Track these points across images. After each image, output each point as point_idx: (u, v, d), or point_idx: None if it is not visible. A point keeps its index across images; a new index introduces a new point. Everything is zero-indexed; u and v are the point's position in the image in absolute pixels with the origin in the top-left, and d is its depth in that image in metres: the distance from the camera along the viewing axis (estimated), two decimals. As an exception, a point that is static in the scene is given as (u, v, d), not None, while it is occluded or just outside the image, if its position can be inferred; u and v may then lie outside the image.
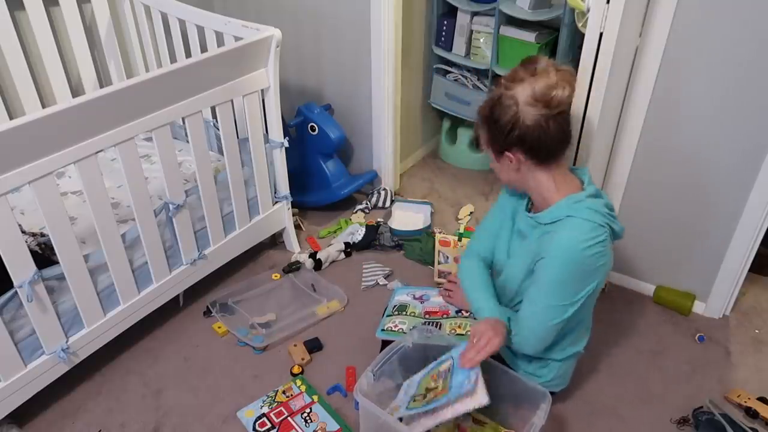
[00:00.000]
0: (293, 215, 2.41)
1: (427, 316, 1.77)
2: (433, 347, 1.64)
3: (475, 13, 2.65)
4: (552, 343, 1.55)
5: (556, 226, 1.42)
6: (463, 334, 1.65)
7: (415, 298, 1.88)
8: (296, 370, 1.85)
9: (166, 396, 1.80)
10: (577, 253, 1.37)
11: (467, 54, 2.75)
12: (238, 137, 2.03)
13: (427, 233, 2.44)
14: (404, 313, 1.80)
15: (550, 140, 1.40)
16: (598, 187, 1.52)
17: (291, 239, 2.38)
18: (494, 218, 1.70)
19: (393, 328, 1.73)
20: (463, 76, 2.78)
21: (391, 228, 2.44)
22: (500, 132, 1.41)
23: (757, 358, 1.91)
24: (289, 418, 1.69)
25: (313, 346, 1.94)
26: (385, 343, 1.63)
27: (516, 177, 1.50)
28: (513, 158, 1.43)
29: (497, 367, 1.54)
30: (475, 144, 1.52)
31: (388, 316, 1.81)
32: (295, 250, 2.39)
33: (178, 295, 2.03)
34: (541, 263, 1.44)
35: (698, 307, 2.09)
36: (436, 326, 1.70)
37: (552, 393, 1.61)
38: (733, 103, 1.72)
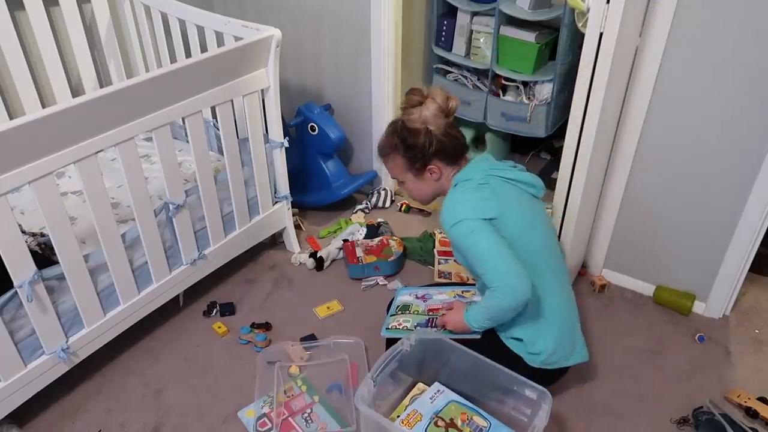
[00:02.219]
0: (293, 215, 2.41)
1: (430, 313, 1.77)
2: (431, 349, 1.65)
3: (475, 13, 2.64)
4: (535, 302, 1.57)
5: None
6: None
7: (417, 297, 1.88)
8: (293, 370, 1.85)
9: (166, 396, 1.80)
10: (450, 197, 1.61)
11: (467, 54, 2.75)
12: (238, 137, 2.03)
13: (428, 233, 2.45)
14: (408, 311, 1.80)
15: (458, 141, 1.64)
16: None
17: (291, 239, 2.38)
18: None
19: (398, 326, 1.74)
20: (463, 76, 2.78)
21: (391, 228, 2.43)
22: (419, 152, 1.62)
23: (757, 358, 1.92)
24: (289, 418, 1.69)
25: (310, 341, 1.96)
26: (390, 342, 1.64)
27: (435, 186, 1.69)
28: (435, 168, 1.65)
29: (497, 367, 1.54)
30: (393, 177, 1.79)
31: (392, 315, 1.82)
32: (295, 250, 2.39)
33: (178, 295, 2.03)
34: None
35: (698, 307, 2.09)
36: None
37: (563, 373, 1.65)
38: (733, 103, 1.72)
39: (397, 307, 1.85)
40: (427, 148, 1.60)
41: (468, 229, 1.51)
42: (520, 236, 1.55)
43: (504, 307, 1.52)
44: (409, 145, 1.62)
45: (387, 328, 1.76)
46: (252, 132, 2.02)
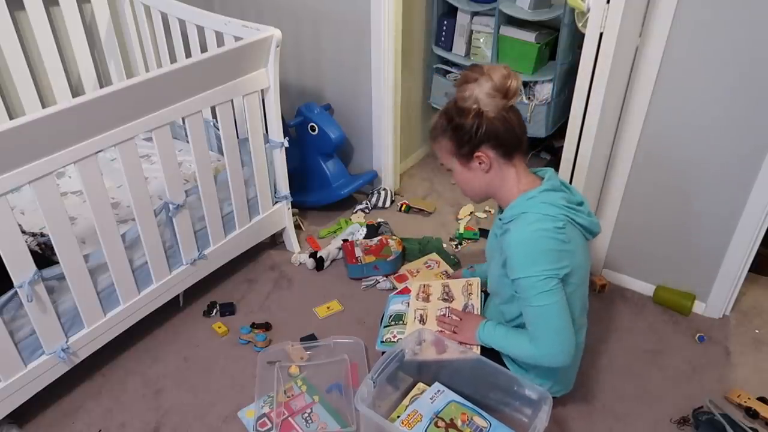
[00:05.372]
0: (293, 215, 2.41)
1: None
2: None
3: (475, 13, 2.65)
4: None
5: (512, 224, 1.43)
6: None
7: (409, 305, 1.86)
8: (293, 370, 1.85)
9: (166, 396, 1.80)
10: (530, 238, 1.39)
11: (467, 54, 2.75)
12: (238, 137, 2.03)
13: (432, 239, 2.44)
14: (401, 322, 1.78)
15: (515, 130, 1.43)
16: (568, 183, 1.53)
17: (291, 239, 2.38)
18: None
19: (392, 339, 1.72)
20: (463, 76, 2.78)
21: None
22: (467, 134, 1.42)
23: (757, 358, 1.92)
24: (289, 418, 1.69)
25: (310, 341, 1.96)
26: None
27: (485, 180, 1.49)
28: (484, 156, 1.44)
29: (496, 368, 1.54)
30: (441, 164, 1.58)
31: (385, 326, 1.81)
32: (295, 250, 2.39)
33: (178, 295, 2.03)
34: (509, 268, 1.44)
35: (698, 307, 2.09)
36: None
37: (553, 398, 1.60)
38: (734, 103, 1.72)
39: (390, 317, 1.84)
40: (474, 130, 1.41)
41: (547, 284, 1.38)
42: (573, 292, 1.46)
43: (534, 361, 1.49)
44: (456, 126, 1.43)
45: (382, 341, 1.75)
46: (252, 132, 2.02)
